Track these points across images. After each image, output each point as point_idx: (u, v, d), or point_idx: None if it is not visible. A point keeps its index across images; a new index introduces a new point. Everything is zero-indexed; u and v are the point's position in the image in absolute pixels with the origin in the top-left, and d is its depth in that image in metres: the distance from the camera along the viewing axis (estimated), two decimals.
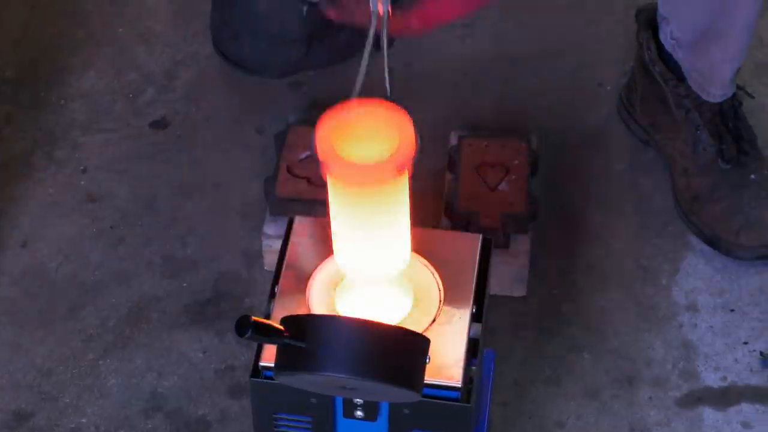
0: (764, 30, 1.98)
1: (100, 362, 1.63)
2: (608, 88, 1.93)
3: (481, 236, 1.36)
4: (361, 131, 1.19)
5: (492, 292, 1.40)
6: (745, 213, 1.65)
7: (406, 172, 1.20)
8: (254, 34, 1.92)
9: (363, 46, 1.49)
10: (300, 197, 1.68)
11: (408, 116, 1.21)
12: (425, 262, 1.33)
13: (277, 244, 1.63)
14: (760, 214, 1.65)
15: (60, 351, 1.64)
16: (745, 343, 1.64)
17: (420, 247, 1.34)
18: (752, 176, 1.66)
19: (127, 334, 1.66)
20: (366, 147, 1.19)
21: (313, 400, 1.24)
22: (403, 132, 1.20)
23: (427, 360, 1.17)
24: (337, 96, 1.88)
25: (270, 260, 1.71)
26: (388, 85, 1.27)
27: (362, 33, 1.62)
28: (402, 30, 1.32)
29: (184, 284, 1.71)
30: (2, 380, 1.62)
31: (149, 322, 1.67)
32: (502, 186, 1.70)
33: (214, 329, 1.66)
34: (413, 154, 1.19)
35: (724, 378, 1.61)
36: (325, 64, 1.94)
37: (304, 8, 1.88)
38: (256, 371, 1.25)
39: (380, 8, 1.23)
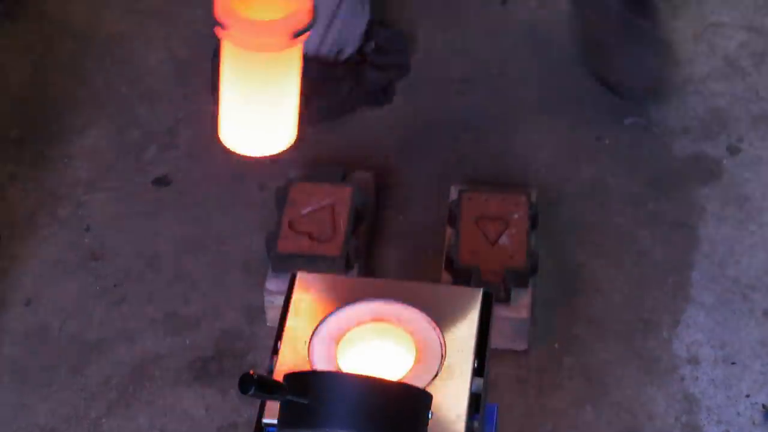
0: (760, 84, 2.01)
1: (103, 420, 1.64)
2: (606, 141, 1.95)
3: (482, 291, 1.37)
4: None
5: (493, 346, 1.39)
6: (633, 57, 1.87)
7: (300, 44, 1.20)
8: None
9: (361, 104, 1.59)
10: (302, 253, 1.69)
11: None
12: (427, 317, 1.33)
13: (279, 300, 1.65)
14: (644, 59, 1.87)
15: (63, 410, 1.65)
16: (748, 395, 1.65)
17: (421, 302, 1.35)
18: (642, 26, 1.87)
19: (130, 392, 1.66)
20: (263, 10, 1.22)
21: None
22: (301, 2, 1.23)
23: (430, 416, 1.18)
24: (337, 153, 1.94)
25: (272, 316, 1.72)
26: None
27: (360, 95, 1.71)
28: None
29: (187, 341, 1.72)
30: None
31: (152, 379, 1.68)
32: (503, 240, 1.71)
33: (216, 386, 1.66)
34: (308, 22, 1.22)
35: (727, 431, 1.61)
36: (323, 120, 1.95)
37: None
38: (260, 428, 1.25)
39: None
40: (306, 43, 1.29)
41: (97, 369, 1.69)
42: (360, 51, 1.93)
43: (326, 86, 1.92)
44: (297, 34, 1.22)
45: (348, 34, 1.90)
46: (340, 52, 1.92)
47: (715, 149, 1.92)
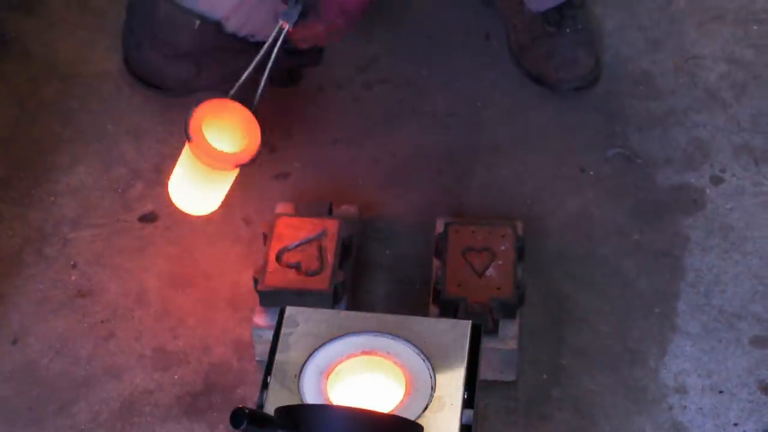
0: (741, 114, 2.03)
1: None
2: (591, 173, 1.96)
3: (470, 323, 1.38)
4: (223, 125, 1.71)
5: (482, 377, 1.41)
6: (562, 54, 2.00)
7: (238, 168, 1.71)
8: (151, 44, 1.98)
9: (256, 73, 1.81)
10: (289, 287, 1.70)
11: (258, 128, 1.71)
12: (417, 349, 1.35)
13: (268, 335, 1.66)
14: (574, 55, 2.00)
15: None
16: (735, 424, 1.65)
17: (411, 335, 1.37)
18: (567, 30, 2.02)
19: (119, 429, 1.66)
20: (223, 133, 1.71)
21: None
22: (251, 139, 1.71)
23: None
24: (322, 187, 1.94)
25: (261, 350, 1.72)
26: (257, 96, 1.70)
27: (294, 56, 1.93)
28: (304, 40, 1.72)
29: (176, 376, 1.71)
30: None
31: (141, 415, 1.67)
32: (490, 272, 1.72)
33: (206, 421, 1.66)
34: (251, 159, 1.71)
35: None
36: (217, 88, 1.95)
37: (197, 22, 1.92)
38: None
39: (284, 25, 1.66)
40: (214, 12, 1.87)
41: (85, 406, 1.68)
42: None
43: (224, 55, 1.94)
44: (238, 165, 1.70)
45: (256, 17, 1.91)
46: (250, 35, 1.93)
47: (698, 179, 1.93)
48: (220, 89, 1.95)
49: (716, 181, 1.94)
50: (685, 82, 2.07)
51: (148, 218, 1.92)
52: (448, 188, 1.94)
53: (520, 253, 1.76)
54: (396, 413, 1.25)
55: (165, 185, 1.93)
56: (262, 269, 1.72)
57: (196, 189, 1.76)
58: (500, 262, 1.72)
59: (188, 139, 1.65)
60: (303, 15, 1.67)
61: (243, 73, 1.93)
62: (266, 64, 1.70)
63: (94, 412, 1.68)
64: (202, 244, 1.88)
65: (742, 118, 2.02)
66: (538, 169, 1.96)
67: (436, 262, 1.76)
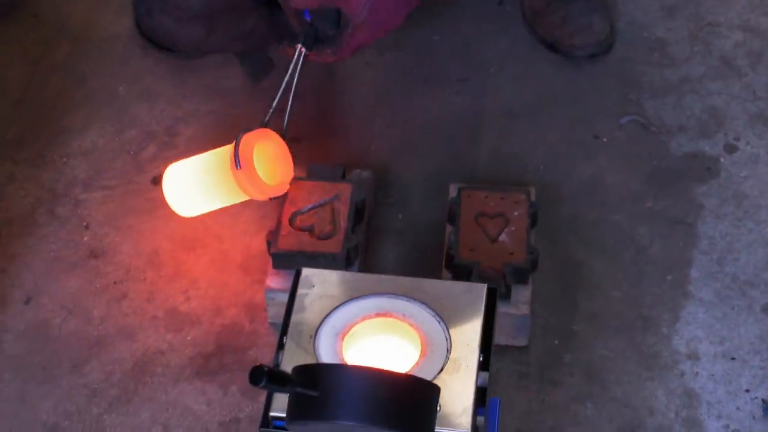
0: (757, 83, 2.02)
1: (105, 416, 1.63)
2: (604, 140, 1.95)
3: (486, 286, 1.39)
4: (264, 156, 1.73)
5: (496, 341, 1.41)
6: (577, 20, 1.99)
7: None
8: (162, 6, 1.99)
9: (267, 35, 1.88)
10: (302, 250, 1.69)
11: (291, 161, 1.76)
12: (432, 311, 1.35)
13: (280, 297, 1.67)
14: (588, 21, 1.99)
15: (65, 406, 1.64)
16: (747, 390, 1.65)
17: (426, 297, 1.37)
18: None
19: (131, 388, 1.66)
20: (263, 162, 1.73)
21: None
22: (287, 173, 1.75)
23: (439, 408, 1.18)
24: (336, 151, 1.94)
25: (273, 313, 1.72)
26: (285, 122, 1.73)
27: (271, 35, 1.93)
28: (319, 60, 1.71)
29: (188, 337, 1.72)
30: None
31: (154, 375, 1.67)
32: (503, 237, 1.71)
33: (218, 382, 1.66)
34: (284, 191, 1.74)
35: (727, 426, 1.62)
36: (227, 49, 1.98)
37: None
38: (266, 421, 1.26)
39: (302, 49, 1.69)
40: None
41: (98, 365, 1.68)
42: None
43: (233, 15, 1.94)
44: (271, 198, 1.73)
45: None
46: None
47: (712, 148, 1.93)
48: (229, 50, 2.00)
49: (730, 149, 1.93)
50: (700, 50, 2.06)
51: (160, 180, 1.90)
52: (460, 154, 1.94)
53: (533, 219, 1.75)
54: (413, 374, 1.24)
55: (177, 147, 1.95)
56: (275, 232, 1.72)
57: (205, 198, 1.75)
58: (513, 228, 1.72)
59: (237, 166, 1.66)
60: (319, 45, 1.69)
61: (252, 33, 1.96)
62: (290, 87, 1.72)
63: (107, 371, 1.68)
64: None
65: (757, 86, 2.01)
66: (551, 135, 1.96)
67: (448, 228, 1.75)
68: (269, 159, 1.72)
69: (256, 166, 1.69)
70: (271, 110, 1.72)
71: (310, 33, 1.68)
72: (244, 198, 1.74)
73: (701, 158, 1.92)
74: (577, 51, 2.02)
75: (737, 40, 2.08)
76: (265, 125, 1.73)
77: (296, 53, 1.68)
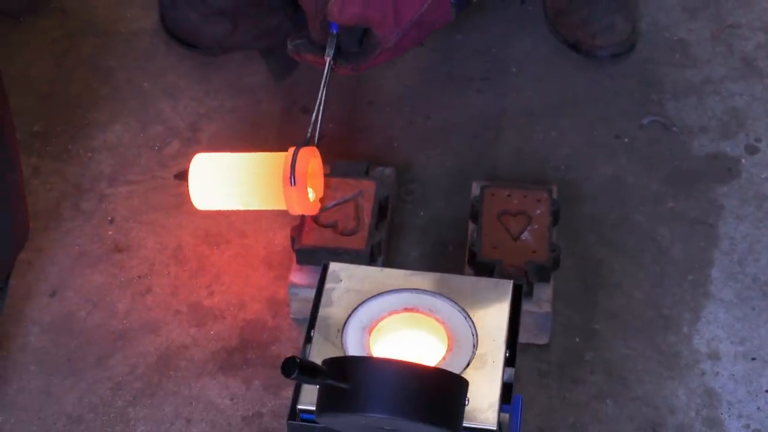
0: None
1: (129, 409, 1.64)
2: (626, 140, 1.95)
3: (512, 282, 1.39)
4: (310, 171, 1.71)
5: None
6: (599, 20, 1.99)
7: None
8: (188, 1, 1.99)
9: (292, 31, 1.85)
10: (326, 246, 1.70)
11: (323, 181, 1.75)
12: (459, 307, 1.35)
13: (304, 293, 1.68)
14: (611, 21, 1.99)
15: (89, 398, 1.65)
16: (767, 390, 1.65)
17: (452, 293, 1.37)
18: None
19: (155, 382, 1.67)
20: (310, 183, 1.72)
21: None
22: (319, 192, 1.74)
23: (467, 402, 1.18)
24: (359, 149, 1.95)
25: (296, 308, 1.72)
26: (316, 133, 1.72)
27: (295, 21, 1.94)
28: (346, 73, 1.71)
29: (211, 332, 1.72)
30: (33, 427, 1.62)
31: (177, 369, 1.68)
32: (525, 235, 1.72)
33: (241, 376, 1.67)
34: (318, 210, 1.74)
35: (747, 426, 1.62)
36: (251, 46, 1.98)
37: None
38: (294, 414, 1.26)
39: (327, 62, 1.68)
40: None
41: (122, 358, 1.69)
42: None
43: (258, 11, 1.94)
44: (302, 214, 1.71)
45: None
46: None
47: (733, 148, 1.92)
48: (254, 47, 1.99)
49: (751, 150, 1.93)
50: (721, 51, 2.06)
51: (184, 176, 1.87)
52: (482, 152, 1.94)
53: (555, 218, 1.75)
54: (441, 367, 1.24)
55: (201, 143, 1.96)
56: (299, 228, 1.73)
57: (233, 198, 1.72)
58: (535, 226, 1.72)
59: (292, 183, 1.65)
60: (339, 58, 1.69)
61: (277, 30, 1.95)
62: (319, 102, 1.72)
63: (131, 365, 1.69)
64: None
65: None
66: (572, 135, 1.96)
67: (471, 225, 1.76)
68: (310, 177, 1.72)
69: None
70: (312, 126, 1.71)
71: (335, 46, 1.68)
72: (274, 208, 1.73)
73: (722, 159, 1.92)
74: (600, 51, 2.02)
75: (759, 42, 2.08)
76: (309, 142, 1.71)
77: (327, 66, 1.67)
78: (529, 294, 1.66)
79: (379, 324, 1.34)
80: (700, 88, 2.01)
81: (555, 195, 1.78)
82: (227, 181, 1.73)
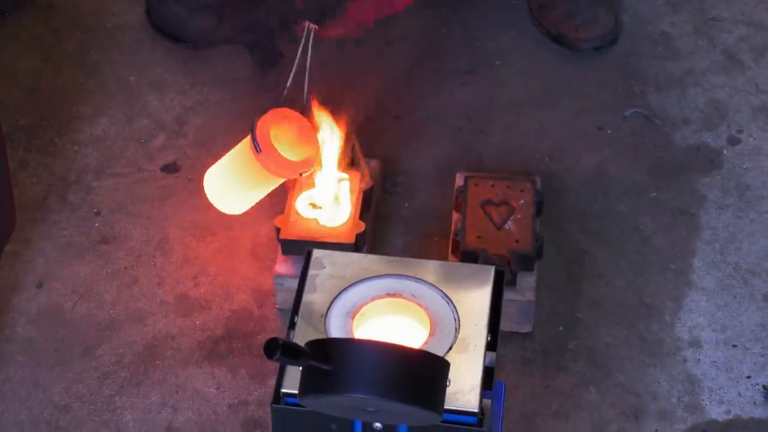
0: (760, 77, 2.04)
1: (116, 398, 1.65)
2: (609, 131, 1.97)
3: (494, 268, 1.40)
4: (286, 135, 1.71)
5: (501, 327, 1.40)
6: (582, 14, 2.01)
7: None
8: None
9: (278, 26, 1.85)
10: (311, 237, 1.71)
11: (316, 134, 1.72)
12: (441, 292, 1.37)
13: (289, 283, 1.69)
14: (594, 14, 2.01)
15: (76, 388, 1.67)
16: (748, 377, 1.67)
17: (434, 279, 1.38)
18: None
19: (142, 371, 1.68)
20: (285, 141, 1.72)
21: (333, 426, 1.26)
22: (313, 147, 1.72)
23: (449, 383, 1.20)
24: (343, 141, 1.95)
25: (281, 298, 1.74)
26: (304, 99, 1.72)
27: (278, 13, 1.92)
28: (325, 35, 1.72)
29: (197, 322, 1.73)
30: (21, 416, 1.64)
31: (164, 359, 1.69)
32: (509, 225, 1.73)
33: (226, 365, 1.68)
34: (313, 165, 1.71)
35: (728, 411, 1.64)
36: (237, 40, 1.99)
37: None
38: (278, 397, 1.28)
39: (311, 26, 1.69)
40: None
41: (109, 348, 1.70)
42: None
43: (244, 5, 1.95)
44: (302, 173, 1.71)
45: None
46: None
47: (715, 140, 1.94)
48: (239, 41, 2.01)
49: (733, 141, 1.95)
50: (703, 44, 2.08)
51: (170, 168, 1.93)
52: (467, 144, 1.96)
53: (539, 208, 1.77)
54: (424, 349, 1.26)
55: (187, 137, 1.97)
56: (285, 219, 1.74)
57: (242, 191, 1.75)
58: (519, 216, 1.74)
59: (257, 150, 1.66)
60: (323, 20, 1.70)
61: (263, 24, 1.96)
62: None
63: (118, 354, 1.70)
64: None
65: (760, 80, 2.03)
66: (556, 126, 1.97)
67: (455, 215, 1.77)
68: (292, 136, 1.72)
69: (277, 146, 1.69)
70: (285, 90, 1.73)
71: (314, 7, 1.69)
72: (277, 181, 1.74)
73: (704, 150, 1.93)
74: (583, 44, 2.03)
75: (741, 35, 2.09)
76: (280, 105, 1.73)
77: (305, 30, 1.69)
78: (513, 283, 1.68)
79: (362, 309, 1.35)
80: (682, 80, 2.03)
81: (538, 185, 1.79)
82: (233, 180, 1.75)
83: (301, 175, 1.72)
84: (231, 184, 1.75)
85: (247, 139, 1.71)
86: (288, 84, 1.72)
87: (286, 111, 1.72)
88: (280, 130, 1.72)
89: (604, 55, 2.05)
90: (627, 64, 2.05)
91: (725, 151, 1.93)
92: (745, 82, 2.02)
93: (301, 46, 1.71)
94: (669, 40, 2.09)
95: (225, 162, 1.76)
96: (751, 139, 1.94)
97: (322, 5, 1.70)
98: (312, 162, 1.71)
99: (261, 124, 1.69)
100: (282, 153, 1.70)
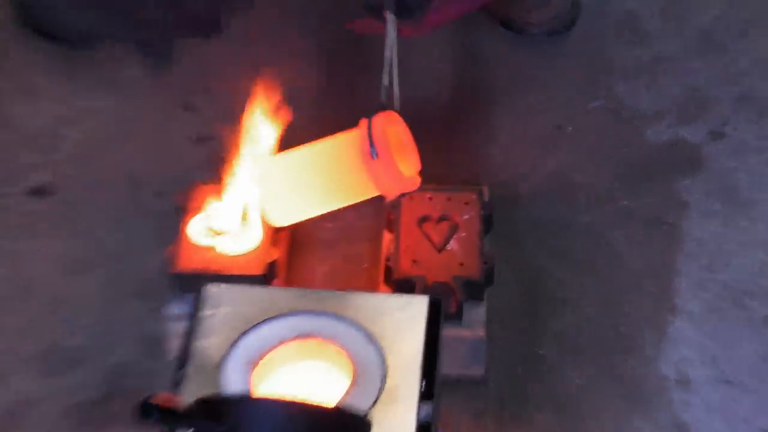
0: (742, 60, 2.03)
1: None
2: (569, 129, 1.95)
3: (428, 298, 1.35)
4: (392, 142, 1.62)
5: (444, 372, 1.36)
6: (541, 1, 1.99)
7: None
8: None
9: (171, 23, 1.86)
10: (208, 270, 1.63)
11: (416, 149, 1.66)
12: (364, 330, 1.30)
13: (183, 327, 1.58)
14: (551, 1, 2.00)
15: None
16: (746, 420, 1.60)
17: (356, 314, 1.33)
18: None
19: None
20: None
21: None
22: (415, 163, 1.66)
23: None
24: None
25: (176, 346, 1.60)
26: (396, 102, 1.64)
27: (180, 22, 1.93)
28: (405, 36, 1.67)
29: (69, 381, 1.63)
30: None
31: (25, 429, 1.58)
32: (451, 245, 1.68)
33: None
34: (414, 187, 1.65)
35: None
36: (125, 38, 1.96)
37: None
38: None
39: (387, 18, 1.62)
40: None
41: None
42: None
43: (130, 1, 1.92)
44: (404, 193, 1.65)
45: None
46: None
47: (694, 135, 1.93)
48: (128, 38, 1.96)
49: (715, 136, 1.94)
50: (675, 25, 2.09)
51: (41, 191, 1.86)
52: None
53: (488, 223, 1.72)
54: (339, 406, 1.19)
55: (62, 152, 1.91)
56: (177, 249, 1.66)
57: (314, 200, 1.63)
58: (463, 234, 1.69)
59: (373, 156, 1.56)
60: (401, 15, 1.66)
61: (155, 21, 1.92)
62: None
63: None
64: (106, 221, 1.82)
65: (742, 64, 2.02)
66: (507, 126, 1.96)
67: (387, 236, 1.71)
68: (396, 148, 1.64)
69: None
70: (384, 89, 1.63)
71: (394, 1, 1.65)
72: (363, 197, 1.63)
73: (682, 147, 1.92)
74: (534, 28, 2.03)
75: (716, 13, 2.11)
76: (384, 107, 1.62)
77: (389, 21, 1.62)
78: (459, 316, 1.62)
79: (268, 355, 1.29)
80: (652, 67, 2.04)
81: (486, 197, 1.75)
82: (300, 184, 1.63)
83: (402, 195, 1.65)
84: (304, 188, 1.62)
85: (344, 138, 1.60)
86: (384, 82, 1.62)
87: (394, 116, 1.63)
88: (390, 137, 1.62)
89: (561, 41, 2.07)
90: (588, 51, 2.06)
91: (705, 148, 1.92)
92: (724, 67, 2.03)
93: (387, 40, 1.63)
94: (635, 22, 2.10)
95: (299, 158, 1.63)
96: (736, 132, 1.93)
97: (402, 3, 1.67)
98: (416, 182, 1.63)
99: (377, 124, 1.57)
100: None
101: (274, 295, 1.37)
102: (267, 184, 1.61)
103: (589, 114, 1.96)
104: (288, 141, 1.74)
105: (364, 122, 1.58)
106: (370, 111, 1.59)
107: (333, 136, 1.62)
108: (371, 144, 1.55)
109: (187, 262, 1.63)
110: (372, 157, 1.55)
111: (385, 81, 1.60)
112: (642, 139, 1.93)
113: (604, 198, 1.86)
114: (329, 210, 1.64)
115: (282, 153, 1.63)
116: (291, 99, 1.71)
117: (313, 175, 1.61)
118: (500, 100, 1.98)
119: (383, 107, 1.62)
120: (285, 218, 1.64)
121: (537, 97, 1.99)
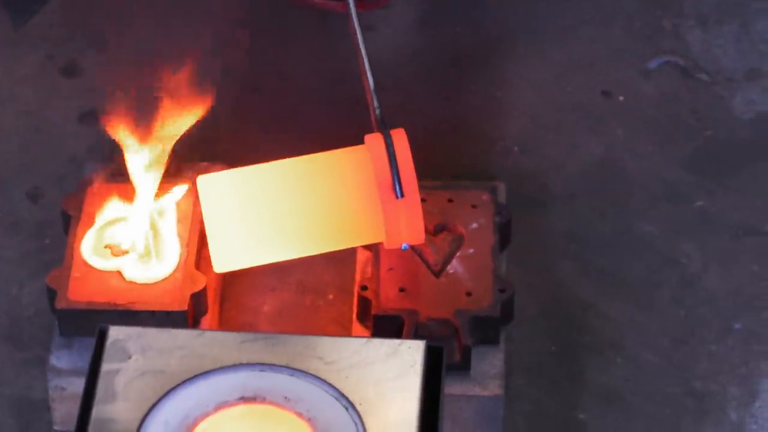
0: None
1: None
2: (621, 98, 1.99)
3: (424, 343, 1.40)
4: None
5: None
6: None
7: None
8: None
9: None
10: (109, 304, 1.70)
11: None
12: (335, 391, 1.37)
13: (73, 386, 1.67)
14: None
15: None
16: None
17: (322, 367, 1.38)
18: None
19: None
20: None
21: None
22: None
23: None
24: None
25: (63, 413, 1.71)
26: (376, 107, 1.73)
27: None
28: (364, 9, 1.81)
29: None
30: None
31: None
32: (454, 267, 1.74)
33: None
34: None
35: None
36: None
37: None
38: None
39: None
40: None
41: None
42: None
43: None
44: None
45: None
46: None
47: None
48: None
49: None
50: None
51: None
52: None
53: (504, 235, 1.78)
54: None
55: None
56: (64, 274, 1.73)
57: (286, 241, 1.69)
58: (471, 251, 1.75)
59: (399, 195, 1.64)
60: None
61: None
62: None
63: None
64: None
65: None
66: (531, 92, 2.00)
67: (363, 254, 1.78)
68: None
69: None
70: (373, 92, 1.71)
71: None
72: (356, 244, 1.73)
73: None
74: None
75: None
76: (383, 121, 1.69)
77: (350, 3, 1.73)
78: (465, 366, 1.68)
79: (199, 427, 1.35)
80: (740, 7, 2.08)
81: (502, 196, 1.80)
82: (264, 216, 1.69)
83: (401, 248, 1.72)
84: (270, 223, 1.69)
85: (342, 157, 1.68)
86: (371, 84, 1.72)
87: (402, 134, 1.70)
88: None
89: None
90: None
91: None
92: None
93: (354, 26, 1.74)
94: None
95: (268, 176, 1.70)
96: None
97: None
98: (422, 233, 1.71)
99: (402, 148, 1.66)
100: None
101: (206, 341, 1.39)
102: (214, 211, 1.67)
103: (651, 74, 2.00)
104: (206, 129, 1.81)
105: (377, 142, 1.65)
106: (368, 125, 1.66)
107: (327, 152, 1.68)
108: (396, 178, 1.63)
109: (79, 294, 1.69)
110: (396, 196, 1.63)
111: (372, 83, 1.69)
112: (726, 113, 1.97)
113: (671, 194, 1.90)
114: (300, 256, 1.70)
115: (241, 167, 1.68)
116: (205, 71, 1.77)
117: (288, 204, 1.67)
118: (522, 52, 2.02)
119: (384, 124, 1.68)
120: (233, 262, 1.70)
121: (575, 50, 2.02)
